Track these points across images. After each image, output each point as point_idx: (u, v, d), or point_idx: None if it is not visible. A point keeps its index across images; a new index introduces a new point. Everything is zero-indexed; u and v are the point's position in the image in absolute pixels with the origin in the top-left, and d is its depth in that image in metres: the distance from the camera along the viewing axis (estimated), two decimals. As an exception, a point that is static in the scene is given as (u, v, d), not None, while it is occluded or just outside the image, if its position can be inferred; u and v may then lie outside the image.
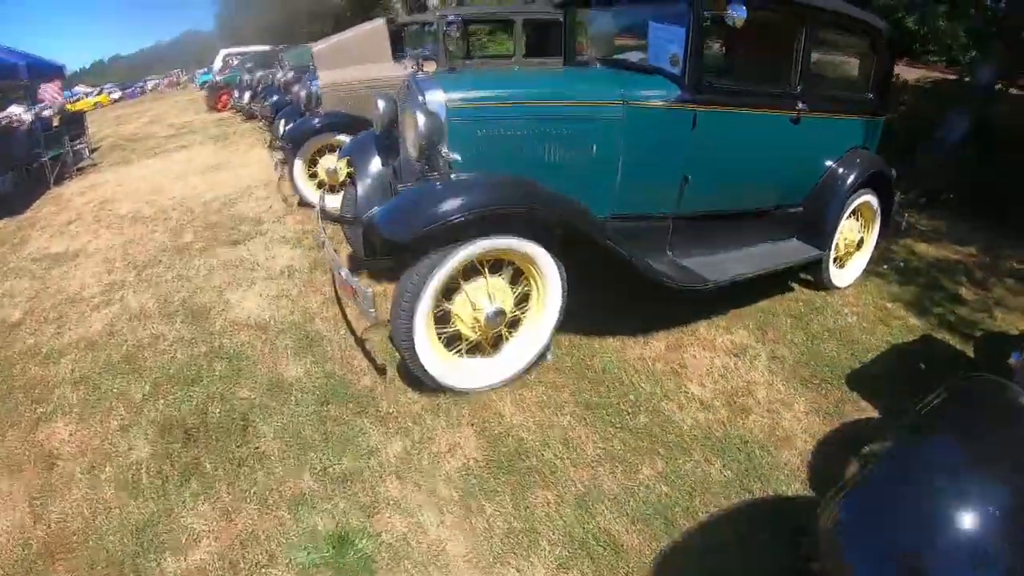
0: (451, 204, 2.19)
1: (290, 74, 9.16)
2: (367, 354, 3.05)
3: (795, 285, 3.96)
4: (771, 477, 2.29)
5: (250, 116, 13.38)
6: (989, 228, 5.75)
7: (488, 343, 2.65)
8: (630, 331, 3.20)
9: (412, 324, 2.36)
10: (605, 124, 2.63)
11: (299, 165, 5.18)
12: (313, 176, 5.29)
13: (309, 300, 3.76)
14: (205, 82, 34.51)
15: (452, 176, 2.41)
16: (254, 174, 7.43)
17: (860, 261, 4.11)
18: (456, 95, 2.48)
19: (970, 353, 3.43)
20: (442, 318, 2.54)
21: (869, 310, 3.81)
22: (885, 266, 4.46)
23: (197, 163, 8.60)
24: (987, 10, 6.63)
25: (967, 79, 7.19)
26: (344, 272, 2.53)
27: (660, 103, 2.66)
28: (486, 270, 2.51)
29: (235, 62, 20.29)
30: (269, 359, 3.10)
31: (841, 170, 3.48)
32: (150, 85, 41.01)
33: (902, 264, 4.56)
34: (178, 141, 11.46)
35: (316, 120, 5.07)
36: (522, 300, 2.65)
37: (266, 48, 22.73)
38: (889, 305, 3.93)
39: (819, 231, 3.49)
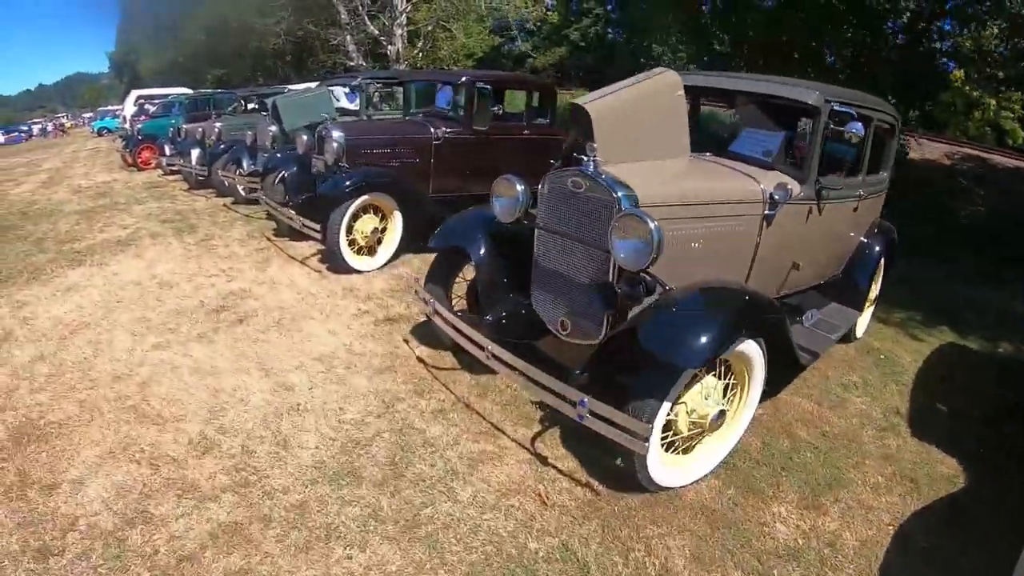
0: None
1: (337, 134, 5.41)
2: None
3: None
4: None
5: (201, 184, 9.47)
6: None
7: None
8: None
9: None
10: None
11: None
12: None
13: None
14: (102, 128, 28.59)
15: None
16: (339, 339, 3.80)
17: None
18: None
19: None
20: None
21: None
22: None
23: (179, 292, 4.62)
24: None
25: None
26: None
27: None
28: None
29: (153, 107, 15.94)
30: None
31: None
32: (36, 129, 34.69)
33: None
34: (110, 225, 7.16)
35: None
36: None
37: (186, 91, 18.20)
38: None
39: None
